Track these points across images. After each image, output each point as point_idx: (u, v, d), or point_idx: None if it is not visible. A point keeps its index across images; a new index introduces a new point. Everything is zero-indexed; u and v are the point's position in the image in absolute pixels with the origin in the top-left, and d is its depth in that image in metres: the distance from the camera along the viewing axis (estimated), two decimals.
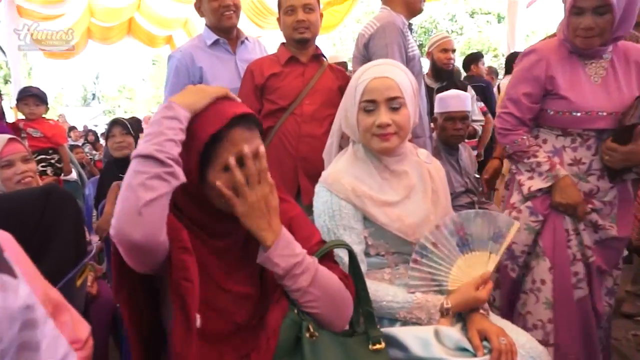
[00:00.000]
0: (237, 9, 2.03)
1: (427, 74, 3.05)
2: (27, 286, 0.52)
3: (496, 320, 1.14)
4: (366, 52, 1.88)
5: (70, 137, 7.43)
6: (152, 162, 0.76)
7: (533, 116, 1.59)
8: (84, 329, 0.88)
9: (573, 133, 1.53)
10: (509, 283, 1.65)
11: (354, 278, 0.99)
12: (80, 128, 9.92)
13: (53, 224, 1.19)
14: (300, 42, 1.86)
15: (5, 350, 0.49)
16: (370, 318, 0.98)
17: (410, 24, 2.01)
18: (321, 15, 1.91)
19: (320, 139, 1.79)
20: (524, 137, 1.57)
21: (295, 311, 0.89)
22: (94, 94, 31.50)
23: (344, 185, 1.16)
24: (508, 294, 1.66)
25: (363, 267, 1.14)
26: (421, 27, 15.15)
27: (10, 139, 1.68)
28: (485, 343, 1.02)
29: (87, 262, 1.20)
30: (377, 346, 0.93)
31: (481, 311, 1.10)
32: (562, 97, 1.51)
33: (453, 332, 1.03)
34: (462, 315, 1.11)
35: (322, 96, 1.84)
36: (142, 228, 0.74)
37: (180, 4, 6.57)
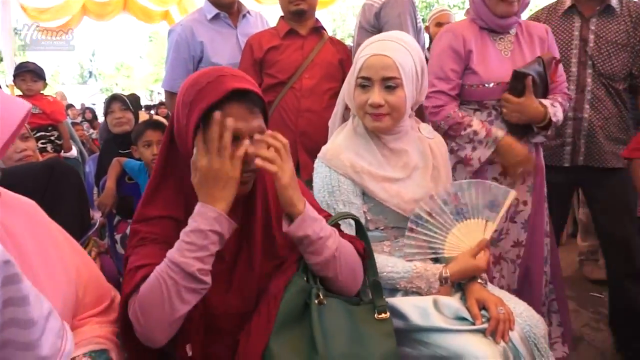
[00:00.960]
0: None
1: (429, 47, 3.04)
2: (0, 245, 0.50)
3: (494, 290, 1.17)
4: (377, 22, 1.85)
5: (68, 115, 7.37)
6: (192, 279, 0.78)
7: (458, 92, 1.62)
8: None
9: (489, 106, 1.60)
10: None
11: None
12: (78, 106, 9.83)
13: (57, 197, 1.20)
14: (296, 14, 1.84)
15: None
16: (378, 288, 1.00)
17: None
18: None
19: (319, 113, 1.78)
20: (456, 110, 1.59)
21: (305, 278, 0.91)
22: (90, 72, 31.11)
23: (342, 161, 1.16)
24: None
25: None
26: (422, 2, 14.82)
27: None
28: (483, 312, 1.04)
29: (91, 236, 1.21)
30: (383, 315, 0.95)
31: (479, 281, 1.12)
32: (475, 71, 1.57)
33: (452, 302, 1.05)
34: (461, 285, 1.13)
35: (322, 70, 1.82)
36: (169, 334, 0.81)
37: None
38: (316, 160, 1.22)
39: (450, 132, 1.60)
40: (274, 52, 1.83)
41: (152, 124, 2.12)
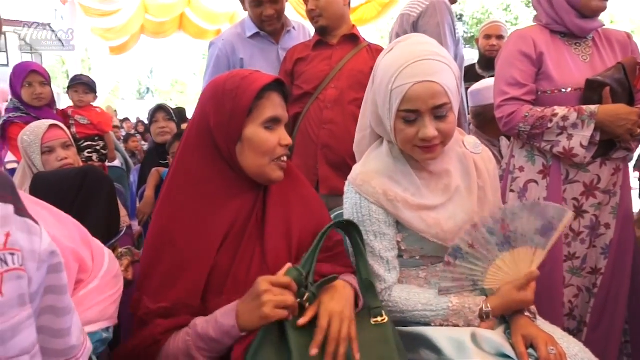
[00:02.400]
0: (279, 15, 1.95)
1: (478, 62, 2.96)
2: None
3: (544, 325, 1.02)
4: (414, 32, 1.79)
5: (123, 128, 7.81)
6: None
7: (534, 98, 1.48)
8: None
9: None
10: None
11: (355, 254, 1.01)
12: (134, 120, 10.41)
13: (87, 202, 1.23)
14: (319, 31, 1.84)
15: (36, 293, 0.49)
16: (371, 289, 0.92)
17: (461, 15, 1.94)
18: None
19: (343, 125, 1.73)
20: (532, 107, 1.45)
21: (307, 285, 0.87)
22: (148, 88, 32.95)
23: (374, 188, 1.04)
24: None
25: (395, 274, 1.06)
26: (473, 18, 14.51)
27: (51, 125, 1.72)
28: (531, 351, 0.91)
29: (117, 243, 1.21)
30: (379, 319, 0.87)
31: (527, 314, 0.99)
32: (549, 74, 1.45)
33: (494, 336, 0.93)
34: (506, 317, 1.01)
35: (349, 79, 1.77)
36: None
37: None
38: (346, 183, 1.11)
39: (535, 132, 1.44)
40: (301, 63, 1.82)
41: (178, 135, 2.17)
